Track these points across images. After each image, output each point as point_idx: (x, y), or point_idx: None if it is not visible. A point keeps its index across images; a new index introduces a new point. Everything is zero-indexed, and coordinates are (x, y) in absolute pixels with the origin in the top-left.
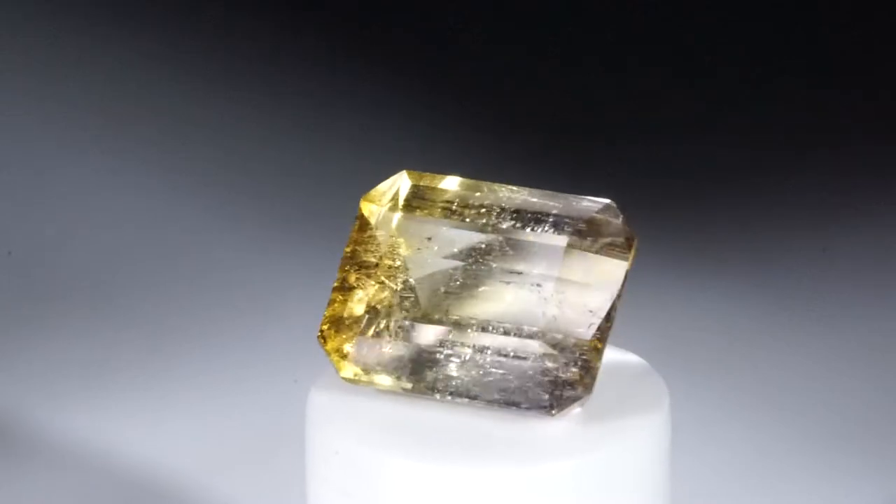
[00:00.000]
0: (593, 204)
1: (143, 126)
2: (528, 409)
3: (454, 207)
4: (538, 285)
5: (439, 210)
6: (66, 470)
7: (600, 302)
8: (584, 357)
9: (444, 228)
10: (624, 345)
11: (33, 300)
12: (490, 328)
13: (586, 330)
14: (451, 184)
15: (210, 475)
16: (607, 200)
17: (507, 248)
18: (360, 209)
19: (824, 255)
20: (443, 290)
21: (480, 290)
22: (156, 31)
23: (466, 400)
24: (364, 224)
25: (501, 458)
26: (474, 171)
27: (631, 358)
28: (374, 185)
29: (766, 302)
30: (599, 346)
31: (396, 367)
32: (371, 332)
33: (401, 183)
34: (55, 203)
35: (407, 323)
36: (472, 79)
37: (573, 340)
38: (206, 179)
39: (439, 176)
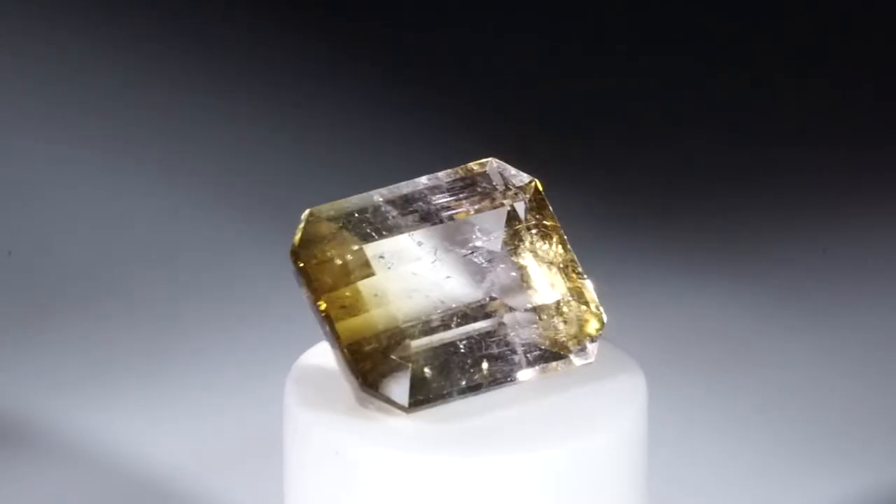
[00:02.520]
0: (479, 166)
1: (145, 126)
2: (569, 364)
3: (378, 221)
4: (484, 261)
5: (371, 228)
6: (64, 469)
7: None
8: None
9: (386, 242)
10: (623, 343)
11: (33, 300)
12: (479, 316)
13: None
14: (360, 201)
15: (209, 474)
16: (489, 158)
17: (445, 239)
18: (295, 266)
19: (824, 255)
20: (419, 299)
21: (447, 286)
22: (155, 30)
23: (507, 383)
24: (311, 279)
25: (476, 448)
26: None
27: (607, 348)
28: (374, 185)
29: (766, 302)
30: (574, 283)
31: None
32: (395, 367)
33: (316, 223)
34: (55, 203)
35: (413, 344)
36: (468, 76)
37: (540, 293)
38: (207, 180)
39: (344, 200)
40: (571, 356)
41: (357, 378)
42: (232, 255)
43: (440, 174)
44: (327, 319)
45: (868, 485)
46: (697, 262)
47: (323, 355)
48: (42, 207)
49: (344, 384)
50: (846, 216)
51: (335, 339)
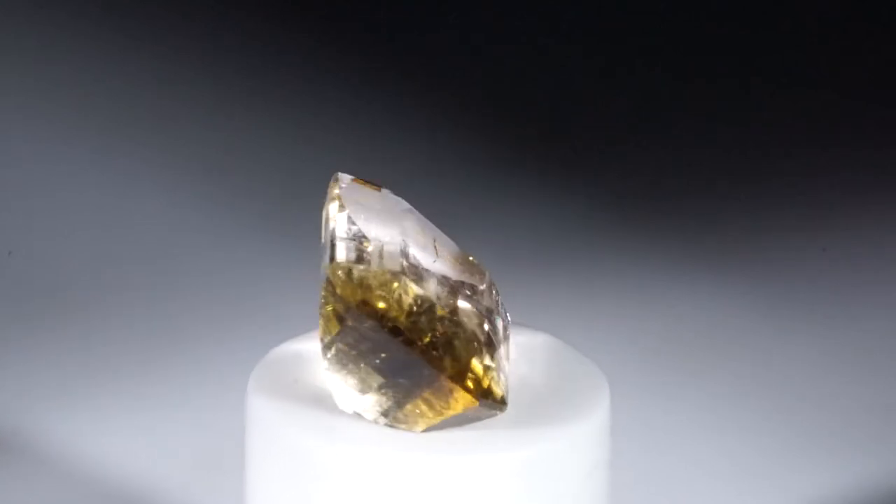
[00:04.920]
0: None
1: (145, 126)
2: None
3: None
4: (435, 258)
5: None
6: (51, 473)
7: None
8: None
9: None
10: (621, 343)
11: (33, 301)
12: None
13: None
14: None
15: (197, 480)
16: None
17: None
18: (375, 318)
19: (824, 255)
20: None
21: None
22: (154, 30)
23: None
24: (388, 322)
25: (442, 449)
26: (468, 169)
27: (570, 351)
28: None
29: (765, 302)
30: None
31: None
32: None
33: (354, 273)
34: (55, 203)
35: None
36: (467, 76)
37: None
38: (208, 180)
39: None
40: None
41: (478, 393)
42: (232, 257)
43: (331, 213)
44: (427, 355)
45: (864, 483)
46: (697, 261)
47: (286, 356)
48: (42, 207)
49: (307, 384)
50: (846, 216)
51: (440, 371)
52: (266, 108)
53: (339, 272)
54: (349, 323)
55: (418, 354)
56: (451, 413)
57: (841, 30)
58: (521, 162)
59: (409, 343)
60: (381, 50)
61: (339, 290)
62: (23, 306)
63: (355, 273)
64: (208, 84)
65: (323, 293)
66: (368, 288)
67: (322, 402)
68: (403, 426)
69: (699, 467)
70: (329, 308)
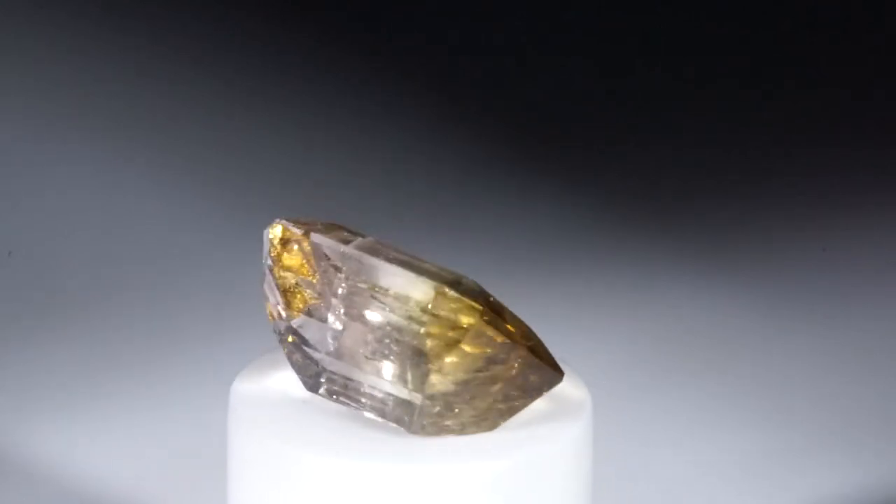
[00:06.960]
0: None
1: (145, 126)
2: None
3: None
4: None
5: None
6: (49, 473)
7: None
8: None
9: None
10: (621, 343)
11: (33, 301)
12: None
13: None
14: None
15: (197, 480)
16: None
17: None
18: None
19: (824, 255)
20: None
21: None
22: (154, 30)
23: None
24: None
25: (420, 457)
26: (468, 169)
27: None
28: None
29: (765, 302)
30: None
31: None
32: None
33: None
34: (55, 203)
35: None
36: (467, 76)
37: None
38: (208, 180)
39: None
40: None
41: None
42: (231, 258)
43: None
44: (523, 348)
45: (864, 483)
46: (695, 261)
47: (266, 366)
48: (42, 207)
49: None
50: (846, 216)
51: (541, 357)
52: (266, 108)
53: (447, 291)
54: (467, 346)
55: (523, 348)
56: (524, 399)
57: (841, 30)
58: (521, 162)
59: (516, 340)
60: (381, 50)
61: (441, 313)
62: (23, 306)
63: (453, 291)
64: (208, 84)
65: (429, 325)
66: (471, 299)
67: (302, 410)
68: (491, 423)
69: (699, 467)
70: (437, 342)
